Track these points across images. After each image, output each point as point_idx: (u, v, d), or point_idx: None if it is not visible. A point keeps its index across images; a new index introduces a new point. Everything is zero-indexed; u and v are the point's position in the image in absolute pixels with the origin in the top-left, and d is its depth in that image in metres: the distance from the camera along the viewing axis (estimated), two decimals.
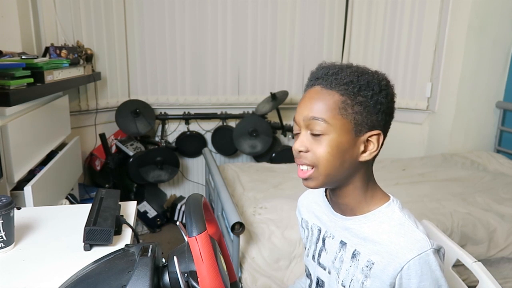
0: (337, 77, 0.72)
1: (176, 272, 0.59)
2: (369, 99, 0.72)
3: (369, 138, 0.74)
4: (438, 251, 0.71)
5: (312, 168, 0.74)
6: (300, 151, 0.74)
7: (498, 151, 2.79)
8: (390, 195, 0.79)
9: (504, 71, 2.73)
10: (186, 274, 0.60)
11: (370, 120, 0.72)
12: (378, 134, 0.74)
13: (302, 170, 0.76)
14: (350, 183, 0.77)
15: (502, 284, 0.95)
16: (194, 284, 0.59)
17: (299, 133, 0.76)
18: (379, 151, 0.76)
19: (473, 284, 0.98)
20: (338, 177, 0.75)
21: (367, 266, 0.73)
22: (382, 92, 0.73)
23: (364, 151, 0.74)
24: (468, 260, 0.97)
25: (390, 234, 0.72)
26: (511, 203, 1.95)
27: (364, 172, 0.77)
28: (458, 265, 1.04)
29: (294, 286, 1.05)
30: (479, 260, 0.96)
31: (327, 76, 0.73)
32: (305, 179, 0.76)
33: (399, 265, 0.69)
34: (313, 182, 0.76)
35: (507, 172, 2.40)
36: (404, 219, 0.74)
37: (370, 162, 0.77)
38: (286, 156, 2.84)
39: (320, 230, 0.86)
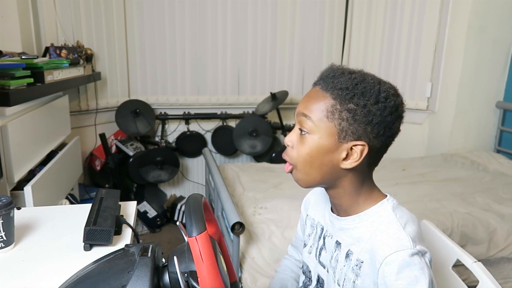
0: (334, 80, 0.73)
1: (176, 272, 0.59)
2: (360, 108, 0.70)
3: (353, 147, 0.73)
4: (423, 255, 0.70)
5: (292, 166, 0.78)
6: (287, 145, 0.78)
7: (498, 151, 2.79)
8: (387, 195, 0.79)
9: (504, 71, 2.73)
10: (186, 274, 0.60)
11: (356, 129, 0.71)
12: (362, 145, 0.72)
13: (287, 164, 0.79)
14: (339, 186, 0.77)
15: (502, 284, 0.95)
16: (194, 284, 0.59)
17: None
18: (378, 160, 0.78)
19: (473, 284, 0.98)
20: (320, 179, 0.77)
21: (357, 265, 0.75)
22: (378, 104, 0.70)
23: (346, 159, 0.73)
24: (468, 260, 0.97)
25: (376, 232, 0.73)
26: (511, 203, 1.95)
27: (354, 178, 0.76)
28: (458, 265, 1.04)
29: (282, 269, 1.05)
30: (479, 260, 0.96)
31: (327, 78, 0.74)
32: (293, 177, 0.79)
33: (378, 261, 0.70)
34: (299, 181, 0.79)
35: (507, 172, 2.40)
36: (393, 218, 0.73)
37: (362, 168, 0.76)
38: None
39: (322, 229, 0.88)
